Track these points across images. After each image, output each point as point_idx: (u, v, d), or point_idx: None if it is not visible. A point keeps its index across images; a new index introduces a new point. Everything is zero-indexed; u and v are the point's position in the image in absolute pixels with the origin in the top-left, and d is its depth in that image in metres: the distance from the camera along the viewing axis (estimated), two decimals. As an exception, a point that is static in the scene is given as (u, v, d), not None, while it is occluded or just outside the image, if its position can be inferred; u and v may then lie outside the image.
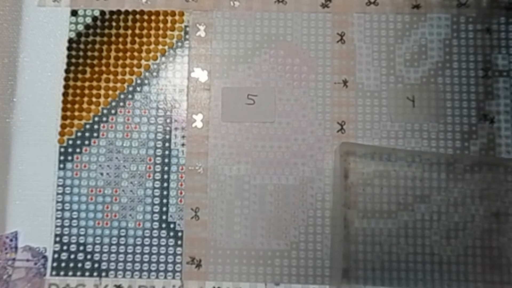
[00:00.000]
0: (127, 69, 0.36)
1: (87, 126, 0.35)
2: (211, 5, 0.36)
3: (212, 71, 0.35)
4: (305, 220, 0.34)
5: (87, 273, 0.34)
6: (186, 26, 0.36)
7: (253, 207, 0.34)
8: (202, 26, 0.36)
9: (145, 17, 0.36)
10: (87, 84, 0.36)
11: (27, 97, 0.35)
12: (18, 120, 0.35)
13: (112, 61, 0.36)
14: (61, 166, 0.35)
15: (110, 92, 0.35)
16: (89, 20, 0.36)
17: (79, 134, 0.35)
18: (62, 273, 0.34)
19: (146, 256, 0.34)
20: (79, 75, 0.36)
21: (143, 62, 0.36)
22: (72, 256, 0.34)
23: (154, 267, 0.34)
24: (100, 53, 0.36)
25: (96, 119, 0.35)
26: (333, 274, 0.33)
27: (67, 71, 0.36)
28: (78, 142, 0.35)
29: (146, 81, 0.36)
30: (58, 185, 0.35)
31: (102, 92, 0.35)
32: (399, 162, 0.34)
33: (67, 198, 0.34)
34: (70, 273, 0.34)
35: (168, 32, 0.36)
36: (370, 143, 0.34)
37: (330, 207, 0.34)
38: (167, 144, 0.35)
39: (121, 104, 0.35)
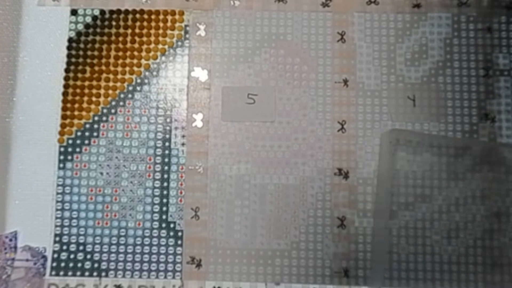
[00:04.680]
0: (127, 69, 0.36)
1: (87, 126, 0.35)
2: (211, 4, 0.36)
3: (212, 70, 0.35)
4: (305, 220, 0.34)
5: (86, 273, 0.34)
6: (186, 26, 0.36)
7: (253, 207, 0.34)
8: (202, 26, 0.36)
9: (145, 16, 0.36)
10: (87, 83, 0.35)
11: (27, 96, 0.35)
12: (18, 120, 0.35)
13: (112, 60, 0.36)
14: (61, 165, 0.35)
15: (110, 92, 0.35)
16: (89, 20, 0.36)
17: (79, 133, 0.35)
18: (61, 273, 0.34)
19: (146, 256, 0.34)
20: (79, 75, 0.36)
21: (143, 61, 0.36)
22: (72, 256, 0.34)
23: (154, 267, 0.34)
24: (100, 53, 0.36)
25: (96, 118, 0.35)
26: (374, 274, 0.33)
27: (67, 70, 0.36)
28: (78, 141, 0.35)
29: (146, 81, 0.35)
30: (58, 185, 0.35)
31: (102, 91, 0.35)
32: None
33: (67, 198, 0.34)
34: (70, 273, 0.34)
35: (168, 32, 0.36)
36: (372, 143, 0.34)
37: (373, 199, 0.34)
38: (167, 144, 0.35)
39: (121, 103, 0.35)
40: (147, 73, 0.36)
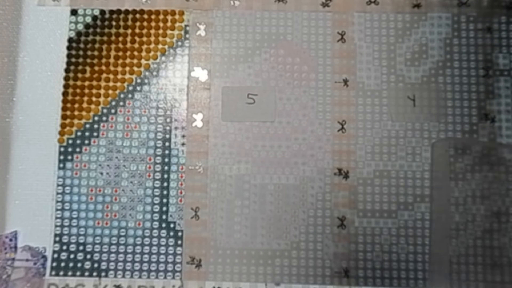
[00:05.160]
0: (127, 69, 0.36)
1: (87, 126, 0.35)
2: (211, 4, 0.36)
3: (212, 70, 0.35)
4: (305, 220, 0.34)
5: (86, 273, 0.34)
6: (186, 25, 0.36)
7: (253, 207, 0.34)
8: (202, 25, 0.36)
9: (145, 16, 0.36)
10: (87, 83, 0.35)
11: (27, 96, 0.35)
12: (18, 120, 0.35)
13: (112, 60, 0.36)
14: (61, 165, 0.35)
15: (110, 92, 0.35)
16: (89, 20, 0.36)
17: (79, 133, 0.35)
18: (61, 273, 0.34)
19: (146, 256, 0.34)
20: (79, 75, 0.36)
21: (143, 61, 0.36)
22: (72, 256, 0.34)
23: (154, 267, 0.34)
24: (100, 53, 0.36)
25: (96, 118, 0.35)
26: (433, 277, 0.32)
27: (67, 70, 0.36)
28: (78, 141, 0.35)
29: (146, 81, 0.35)
30: (58, 185, 0.35)
31: (102, 91, 0.35)
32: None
33: (67, 198, 0.34)
34: (70, 273, 0.34)
35: (168, 32, 0.36)
36: (372, 143, 0.34)
37: (429, 206, 0.33)
38: (167, 144, 0.35)
39: (121, 103, 0.35)
40: (147, 73, 0.36)
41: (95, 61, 0.36)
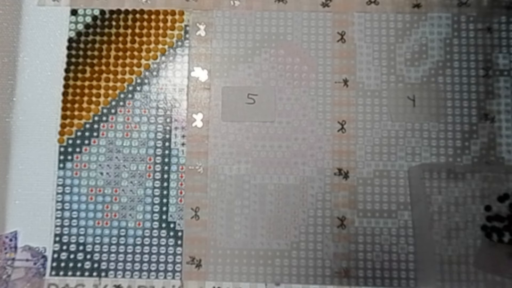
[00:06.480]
0: (127, 69, 0.36)
1: (87, 126, 0.35)
2: (211, 4, 0.36)
3: (212, 71, 0.35)
4: (305, 220, 0.34)
5: (86, 273, 0.34)
6: (186, 26, 0.36)
7: (253, 207, 0.34)
8: (202, 26, 0.36)
9: (145, 16, 0.36)
10: (87, 83, 0.35)
11: (27, 96, 0.35)
12: (18, 120, 0.35)
13: (112, 60, 0.36)
14: (61, 165, 0.35)
15: (110, 92, 0.35)
16: (89, 20, 0.36)
17: (79, 133, 0.35)
18: (61, 273, 0.34)
19: (146, 256, 0.34)
20: (79, 75, 0.36)
21: (143, 61, 0.36)
22: (72, 256, 0.34)
23: (154, 267, 0.34)
24: (100, 53, 0.36)
25: (96, 118, 0.35)
26: (422, 277, 0.33)
27: (67, 70, 0.36)
28: (78, 141, 0.35)
29: (146, 81, 0.35)
30: (58, 185, 0.35)
31: (102, 91, 0.35)
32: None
33: (67, 198, 0.34)
34: (70, 273, 0.34)
35: (168, 32, 0.36)
36: (372, 143, 0.34)
37: (411, 214, 0.34)
38: (167, 144, 0.35)
39: (121, 103, 0.35)
40: (147, 73, 0.36)
41: (95, 61, 0.36)
